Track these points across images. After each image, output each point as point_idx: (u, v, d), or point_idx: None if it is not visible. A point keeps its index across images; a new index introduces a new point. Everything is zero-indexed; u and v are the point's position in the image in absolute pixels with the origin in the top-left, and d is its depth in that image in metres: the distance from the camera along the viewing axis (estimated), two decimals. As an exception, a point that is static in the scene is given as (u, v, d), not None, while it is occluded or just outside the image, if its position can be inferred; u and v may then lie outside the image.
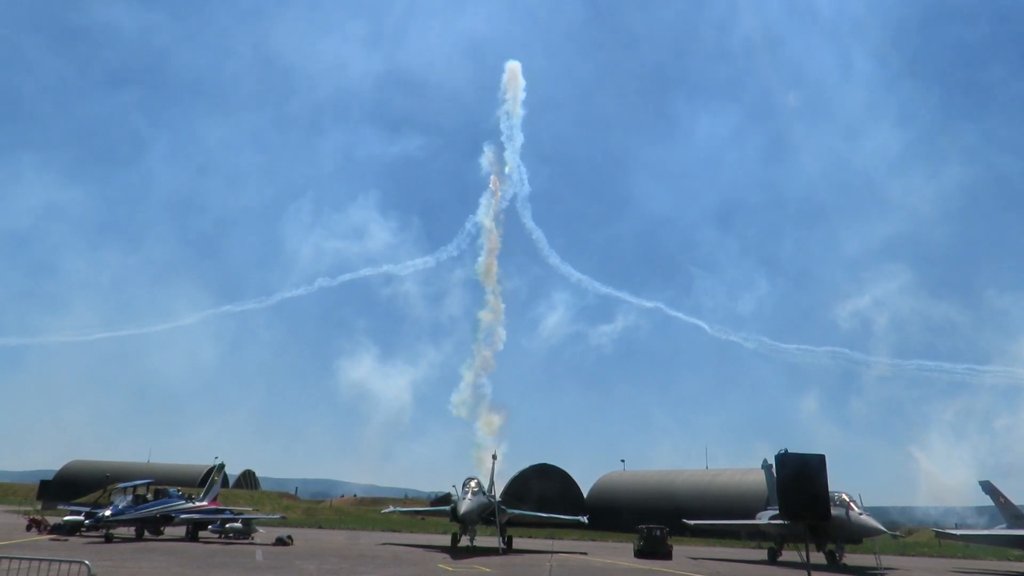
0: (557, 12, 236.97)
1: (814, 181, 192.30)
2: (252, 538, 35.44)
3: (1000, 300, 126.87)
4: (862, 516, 32.37)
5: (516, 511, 42.41)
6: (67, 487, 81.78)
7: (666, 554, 35.18)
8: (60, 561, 13.66)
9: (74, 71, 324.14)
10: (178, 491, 36.73)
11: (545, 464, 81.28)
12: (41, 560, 13.39)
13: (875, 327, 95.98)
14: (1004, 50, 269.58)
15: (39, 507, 65.30)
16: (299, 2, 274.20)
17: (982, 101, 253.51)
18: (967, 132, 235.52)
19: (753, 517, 42.44)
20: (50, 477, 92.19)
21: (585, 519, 41.92)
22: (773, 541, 39.23)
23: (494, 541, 34.61)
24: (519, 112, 67.77)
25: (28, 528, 34.63)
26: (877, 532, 32.87)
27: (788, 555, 37.57)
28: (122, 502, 31.89)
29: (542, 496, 73.39)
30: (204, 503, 37.53)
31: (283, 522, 46.47)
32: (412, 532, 50.05)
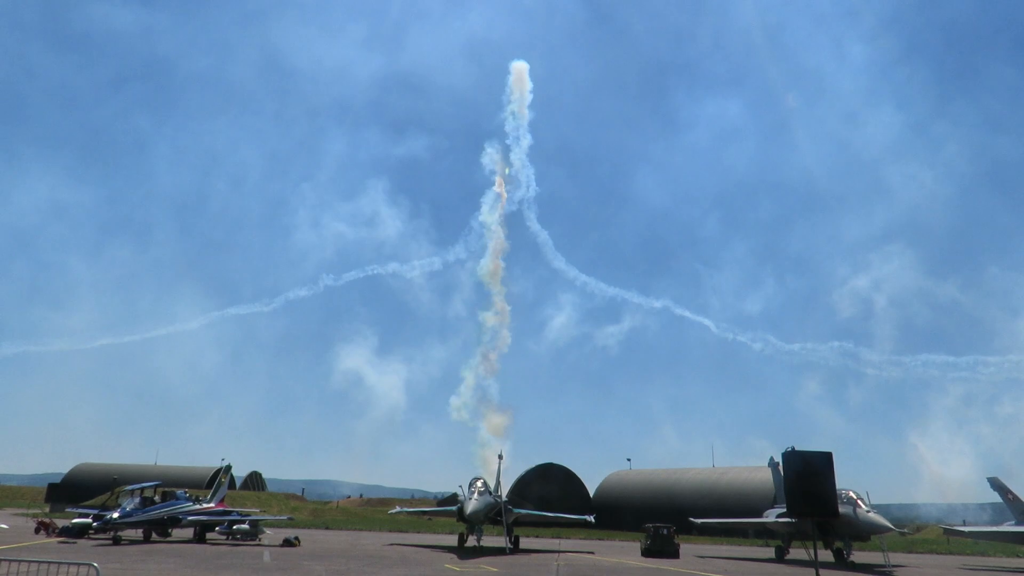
0: (557, 12, 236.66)
1: (816, 168, 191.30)
2: (259, 539, 35.53)
3: (1003, 280, 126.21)
4: (870, 514, 32.28)
5: (523, 511, 42.33)
6: (75, 490, 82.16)
7: (673, 553, 35.13)
8: (68, 563, 13.68)
9: (77, 72, 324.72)
10: (185, 493, 36.84)
11: (551, 463, 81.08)
12: (49, 563, 13.41)
13: (878, 309, 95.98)
14: (1002, 31, 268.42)
15: (47, 510, 65.62)
16: (303, 4, 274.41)
17: (980, 82, 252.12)
18: (965, 114, 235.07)
19: (760, 515, 42.33)
20: (58, 480, 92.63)
21: (592, 518, 41.76)
22: (780, 539, 39.14)
23: (501, 541, 34.60)
24: (526, 113, 67.47)
25: (36, 531, 34.82)
26: (885, 529, 32.75)
27: (796, 553, 37.49)
28: (130, 504, 32.01)
29: (548, 495, 73.13)
30: (211, 505, 37.63)
31: (290, 523, 46.55)
32: (419, 532, 50.07)
